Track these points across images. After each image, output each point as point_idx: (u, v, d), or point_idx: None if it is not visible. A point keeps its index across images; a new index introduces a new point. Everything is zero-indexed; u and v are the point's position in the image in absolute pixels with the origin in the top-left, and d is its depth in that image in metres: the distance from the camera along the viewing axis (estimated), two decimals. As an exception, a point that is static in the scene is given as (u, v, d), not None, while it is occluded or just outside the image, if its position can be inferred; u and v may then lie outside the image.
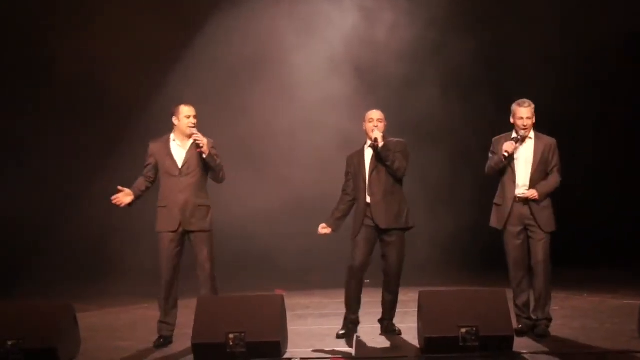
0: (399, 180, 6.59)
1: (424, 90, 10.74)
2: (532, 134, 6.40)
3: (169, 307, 6.50)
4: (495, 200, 6.54)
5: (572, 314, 7.39)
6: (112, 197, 6.50)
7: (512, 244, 6.41)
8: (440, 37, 10.86)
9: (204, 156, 6.40)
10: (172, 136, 6.53)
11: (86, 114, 10.96)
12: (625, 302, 7.92)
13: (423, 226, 10.56)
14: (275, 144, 11.00)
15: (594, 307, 7.88)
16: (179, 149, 6.50)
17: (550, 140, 6.43)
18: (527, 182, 6.37)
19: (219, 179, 6.55)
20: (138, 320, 7.91)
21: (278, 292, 8.77)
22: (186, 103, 6.51)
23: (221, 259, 10.00)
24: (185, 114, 6.42)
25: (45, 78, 10.76)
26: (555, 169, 6.42)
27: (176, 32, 10.85)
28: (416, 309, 5.97)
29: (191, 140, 6.47)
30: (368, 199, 6.54)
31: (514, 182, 6.38)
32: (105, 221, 10.79)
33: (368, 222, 6.54)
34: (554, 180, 6.41)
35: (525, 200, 6.35)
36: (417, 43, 10.65)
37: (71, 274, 10.30)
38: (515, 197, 6.37)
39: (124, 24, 10.55)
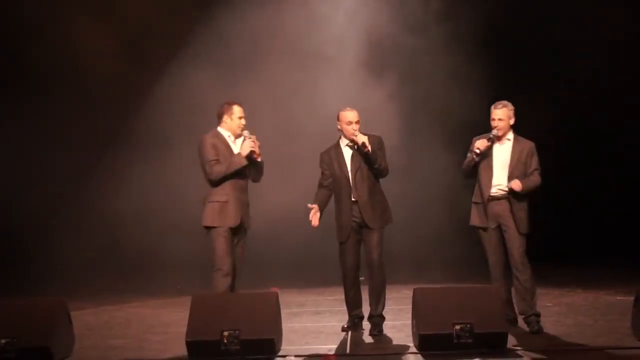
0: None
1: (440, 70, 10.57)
2: (510, 135, 6.46)
3: None
4: (474, 199, 6.59)
5: (566, 311, 7.38)
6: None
7: (491, 243, 6.47)
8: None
9: (258, 159, 6.44)
10: (225, 132, 6.47)
11: (84, 103, 10.85)
12: (618, 298, 7.91)
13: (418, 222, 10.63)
14: (285, 139, 10.85)
15: (587, 303, 7.86)
16: (236, 148, 6.48)
17: (528, 144, 6.47)
18: (504, 183, 6.41)
19: (258, 179, 6.62)
20: (133, 318, 7.86)
21: (273, 290, 8.73)
22: (235, 103, 6.52)
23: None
24: (239, 115, 6.46)
25: (39, 75, 10.65)
26: (535, 172, 6.43)
27: (177, 22, 10.73)
28: (410, 306, 5.92)
29: (241, 138, 6.48)
30: (353, 198, 6.53)
31: (491, 181, 6.45)
32: (100, 220, 10.79)
33: (351, 219, 6.52)
34: (534, 179, 6.41)
35: (501, 199, 6.38)
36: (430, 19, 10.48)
37: (67, 272, 10.25)
38: (490, 196, 6.42)
39: (124, 10, 10.43)
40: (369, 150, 6.42)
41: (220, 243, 6.30)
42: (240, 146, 6.42)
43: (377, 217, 6.54)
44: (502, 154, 6.44)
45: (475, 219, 6.55)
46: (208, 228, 6.35)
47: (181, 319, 6.18)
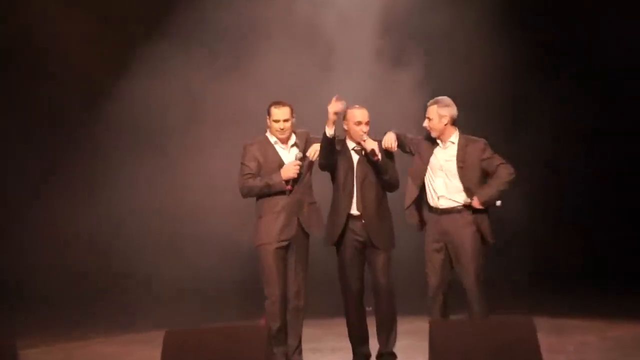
0: None
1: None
2: (454, 137, 6.59)
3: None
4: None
5: (612, 346, 7.34)
6: None
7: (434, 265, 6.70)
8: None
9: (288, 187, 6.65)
10: (272, 137, 6.73)
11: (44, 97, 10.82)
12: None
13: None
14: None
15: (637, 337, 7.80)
16: (289, 157, 6.73)
17: (478, 144, 6.61)
18: (452, 194, 6.60)
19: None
20: (94, 358, 7.82)
21: (264, 321, 8.63)
22: (276, 103, 6.69)
23: (203, 284, 10.05)
24: (274, 118, 6.66)
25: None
26: (501, 166, 6.55)
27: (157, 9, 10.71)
28: (427, 342, 5.69)
29: (291, 142, 6.74)
30: (354, 211, 6.56)
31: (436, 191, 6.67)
32: (59, 235, 10.69)
33: (353, 237, 6.57)
34: (501, 176, 6.54)
35: (452, 212, 6.60)
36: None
37: (15, 299, 10.15)
38: (439, 209, 6.59)
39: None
40: (379, 159, 6.44)
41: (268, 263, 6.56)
42: (284, 167, 6.59)
43: (385, 235, 6.57)
44: (446, 159, 6.56)
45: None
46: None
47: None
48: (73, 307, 10.10)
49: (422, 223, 6.65)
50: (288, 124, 6.64)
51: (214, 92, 10.09)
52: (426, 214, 6.63)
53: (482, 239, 6.52)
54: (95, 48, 10.52)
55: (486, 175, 6.55)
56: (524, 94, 10.91)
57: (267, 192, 6.58)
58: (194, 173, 10.20)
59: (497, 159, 6.53)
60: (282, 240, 6.57)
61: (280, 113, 6.62)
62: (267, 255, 6.56)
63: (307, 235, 6.67)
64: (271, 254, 6.55)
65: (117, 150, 10.71)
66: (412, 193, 6.59)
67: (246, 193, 6.64)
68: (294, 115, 6.70)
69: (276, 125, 6.63)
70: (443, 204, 6.51)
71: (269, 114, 6.69)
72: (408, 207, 6.62)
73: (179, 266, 10.17)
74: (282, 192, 6.57)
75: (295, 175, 6.55)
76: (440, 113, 6.52)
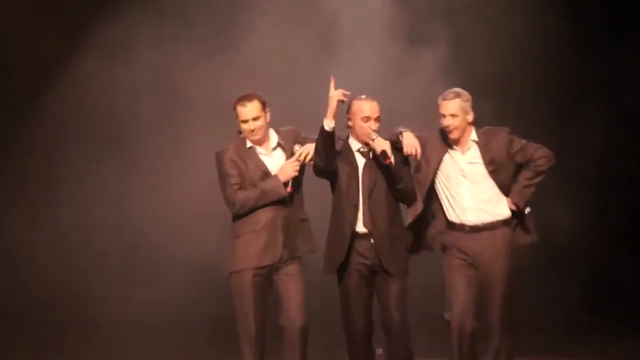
0: None
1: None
2: (474, 134, 6.58)
3: None
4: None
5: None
6: None
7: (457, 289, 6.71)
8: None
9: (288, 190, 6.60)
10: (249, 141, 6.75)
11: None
12: None
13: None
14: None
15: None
16: (271, 162, 6.70)
17: (500, 134, 6.62)
18: (479, 204, 6.66)
19: None
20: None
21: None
22: (241, 99, 6.60)
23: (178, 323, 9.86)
24: (242, 117, 6.60)
25: None
26: (538, 151, 6.58)
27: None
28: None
29: (273, 143, 6.71)
30: (361, 228, 6.47)
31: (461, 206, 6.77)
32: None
33: (359, 260, 6.47)
34: (539, 164, 6.59)
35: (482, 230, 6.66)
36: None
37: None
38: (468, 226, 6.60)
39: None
40: (391, 163, 6.33)
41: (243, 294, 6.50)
42: (281, 167, 6.59)
43: (399, 258, 6.51)
44: (469, 162, 6.53)
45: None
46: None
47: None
48: (7, 349, 9.82)
49: (417, 247, 6.66)
50: (259, 123, 6.52)
51: (192, 77, 10.00)
52: (444, 232, 6.59)
53: (524, 233, 6.58)
54: (42, 21, 10.31)
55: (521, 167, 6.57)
56: (572, 77, 10.78)
57: (263, 203, 6.47)
58: (165, 177, 10.03)
59: (530, 147, 6.52)
60: (262, 267, 6.46)
61: (248, 111, 6.51)
62: (242, 284, 6.44)
63: (296, 258, 6.55)
64: (247, 282, 6.43)
65: (68, 150, 10.50)
66: (416, 207, 6.54)
67: (240, 207, 6.51)
68: (266, 109, 6.56)
69: (245, 127, 6.55)
70: (472, 219, 6.47)
71: (235, 113, 6.61)
72: (411, 225, 6.57)
73: (141, 296, 9.96)
74: (278, 202, 6.47)
75: (296, 174, 6.50)
76: (465, 108, 6.46)
